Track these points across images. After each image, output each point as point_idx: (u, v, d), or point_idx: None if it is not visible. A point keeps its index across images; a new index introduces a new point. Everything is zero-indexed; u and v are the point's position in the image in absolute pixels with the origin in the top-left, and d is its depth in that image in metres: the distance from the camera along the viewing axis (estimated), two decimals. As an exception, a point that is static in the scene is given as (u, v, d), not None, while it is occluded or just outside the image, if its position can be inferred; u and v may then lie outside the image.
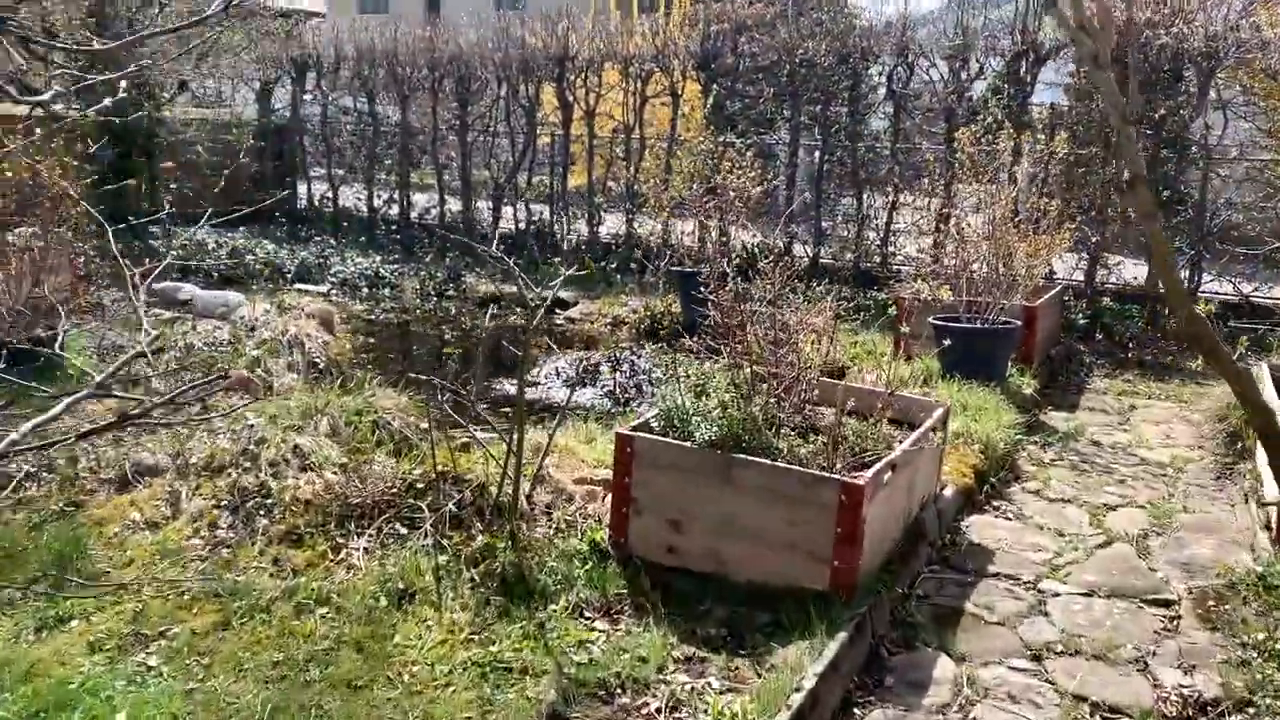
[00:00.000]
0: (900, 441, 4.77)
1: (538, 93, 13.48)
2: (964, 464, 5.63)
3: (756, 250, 12.49)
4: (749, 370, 4.70)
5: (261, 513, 4.51)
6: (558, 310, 11.05)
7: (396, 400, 6.15)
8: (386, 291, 12.40)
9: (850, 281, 11.61)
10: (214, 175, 14.69)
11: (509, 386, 7.74)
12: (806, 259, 11.99)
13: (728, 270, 5.11)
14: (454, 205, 14.40)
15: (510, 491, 4.40)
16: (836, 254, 11.92)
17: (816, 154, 12.01)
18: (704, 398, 4.51)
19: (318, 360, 7.39)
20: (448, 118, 14.39)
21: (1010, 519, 5.42)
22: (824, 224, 11.93)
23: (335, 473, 4.74)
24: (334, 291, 12.42)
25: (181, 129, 13.66)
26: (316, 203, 15.88)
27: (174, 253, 12.18)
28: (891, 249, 11.51)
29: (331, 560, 4.27)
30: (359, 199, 15.34)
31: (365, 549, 4.32)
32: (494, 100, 13.92)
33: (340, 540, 4.37)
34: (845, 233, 11.89)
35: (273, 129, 15.92)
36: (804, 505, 4.06)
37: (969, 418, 6.32)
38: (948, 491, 5.30)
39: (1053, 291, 8.76)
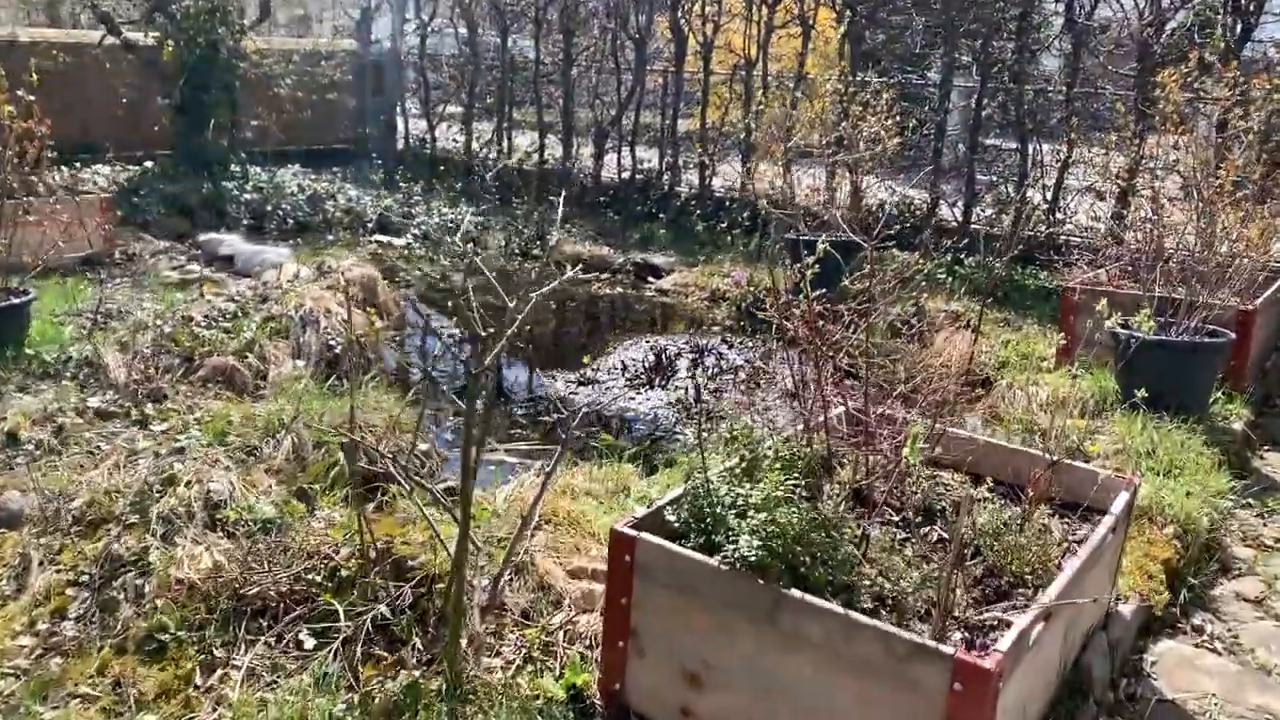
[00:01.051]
0: (1066, 547, 3.14)
1: (649, 23, 11.84)
2: (1150, 558, 3.90)
3: (897, 210, 10.69)
4: (824, 445, 3.14)
5: (127, 598, 3.24)
6: (649, 279, 9.55)
7: (392, 412, 4.82)
8: (469, 246, 11.14)
9: (1008, 253, 9.70)
10: (300, 112, 13.82)
11: (562, 383, 6.33)
12: (955, 222, 10.10)
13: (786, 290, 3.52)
14: (558, 150, 12.99)
15: (458, 598, 2.99)
16: (992, 218, 9.98)
17: (973, 98, 10.00)
18: (752, 480, 2.96)
19: (334, 343, 6.14)
20: (553, 50, 12.94)
21: (1219, 652, 3.69)
22: (978, 181, 9.97)
23: (244, 541, 3.43)
24: (414, 245, 11.26)
25: (260, 61, 12.59)
26: (415, 143, 14.75)
27: (246, 196, 11.28)
28: (1061, 215, 9.49)
29: (198, 688, 2.96)
30: (458, 140, 14.12)
31: (250, 671, 3.00)
32: (601, 31, 12.36)
33: (219, 652, 3.06)
34: (1004, 194, 9.92)
35: (372, 62, 14.80)
36: (892, 683, 2.51)
37: (1158, 474, 4.56)
38: (1126, 608, 3.61)
39: (1275, 286, 6.69)
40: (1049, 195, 9.40)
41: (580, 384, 6.23)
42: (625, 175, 12.21)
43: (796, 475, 2.94)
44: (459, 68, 13.99)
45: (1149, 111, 8.27)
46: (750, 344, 7.40)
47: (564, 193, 6.20)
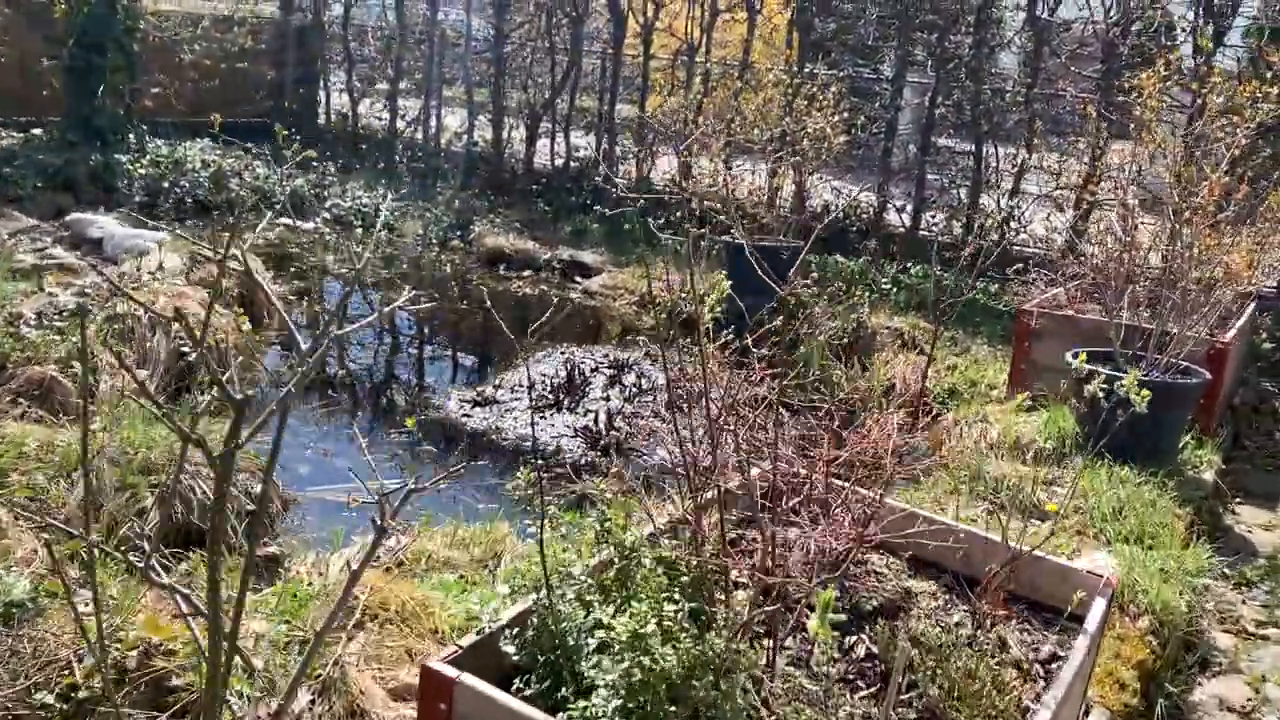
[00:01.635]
0: (1029, 671, 2.46)
1: (587, 1, 11.02)
2: (1123, 660, 3.24)
3: (844, 212, 10.03)
4: (717, 549, 2.43)
5: None
6: (576, 279, 8.78)
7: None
8: (383, 234, 10.27)
9: (957, 264, 9.08)
10: (206, 81, 12.80)
11: (456, 402, 5.55)
12: (903, 228, 9.47)
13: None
14: (489, 132, 12.13)
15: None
16: (943, 225, 9.35)
17: (927, 95, 9.35)
18: (624, 590, 2.22)
19: (186, 350, 5.29)
20: (485, 24, 12.07)
21: (1204, 784, 3.04)
22: (929, 185, 9.34)
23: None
24: (322, 229, 10.37)
25: (161, 25, 11.58)
26: (337, 119, 13.79)
27: (142, 171, 10.29)
28: (1016, 224, 8.88)
29: None
30: (381, 117, 13.19)
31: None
32: (536, 8, 11.52)
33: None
34: (956, 199, 9.29)
35: (294, 30, 13.78)
36: None
37: (1127, 542, 3.91)
38: (1095, 730, 2.95)
39: (1244, 316, 6.09)
40: (1004, 202, 8.78)
41: (477, 404, 5.46)
42: (560, 162, 11.39)
43: (680, 591, 2.21)
44: (385, 39, 13.05)
45: (1113, 117, 7.69)
46: (677, 359, 6.67)
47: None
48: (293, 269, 8.34)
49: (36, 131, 10.80)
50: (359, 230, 10.26)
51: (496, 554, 3.45)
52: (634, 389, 5.93)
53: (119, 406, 4.33)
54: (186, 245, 7.60)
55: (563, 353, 6.60)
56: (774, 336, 3.27)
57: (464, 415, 5.33)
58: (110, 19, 10.70)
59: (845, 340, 6.97)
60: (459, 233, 9.89)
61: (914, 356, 6.48)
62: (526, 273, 8.91)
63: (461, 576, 3.25)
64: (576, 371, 6.05)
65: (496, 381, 5.90)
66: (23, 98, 11.27)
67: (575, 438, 5.09)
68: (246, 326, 5.76)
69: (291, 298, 7.50)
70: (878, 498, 2.61)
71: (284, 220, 10.50)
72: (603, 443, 5.02)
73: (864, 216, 9.61)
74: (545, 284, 8.74)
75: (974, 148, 8.95)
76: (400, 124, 12.82)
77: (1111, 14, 8.25)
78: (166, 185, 10.39)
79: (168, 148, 11.01)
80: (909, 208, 9.40)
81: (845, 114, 8.68)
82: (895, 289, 8.49)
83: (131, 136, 11.01)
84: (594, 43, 11.47)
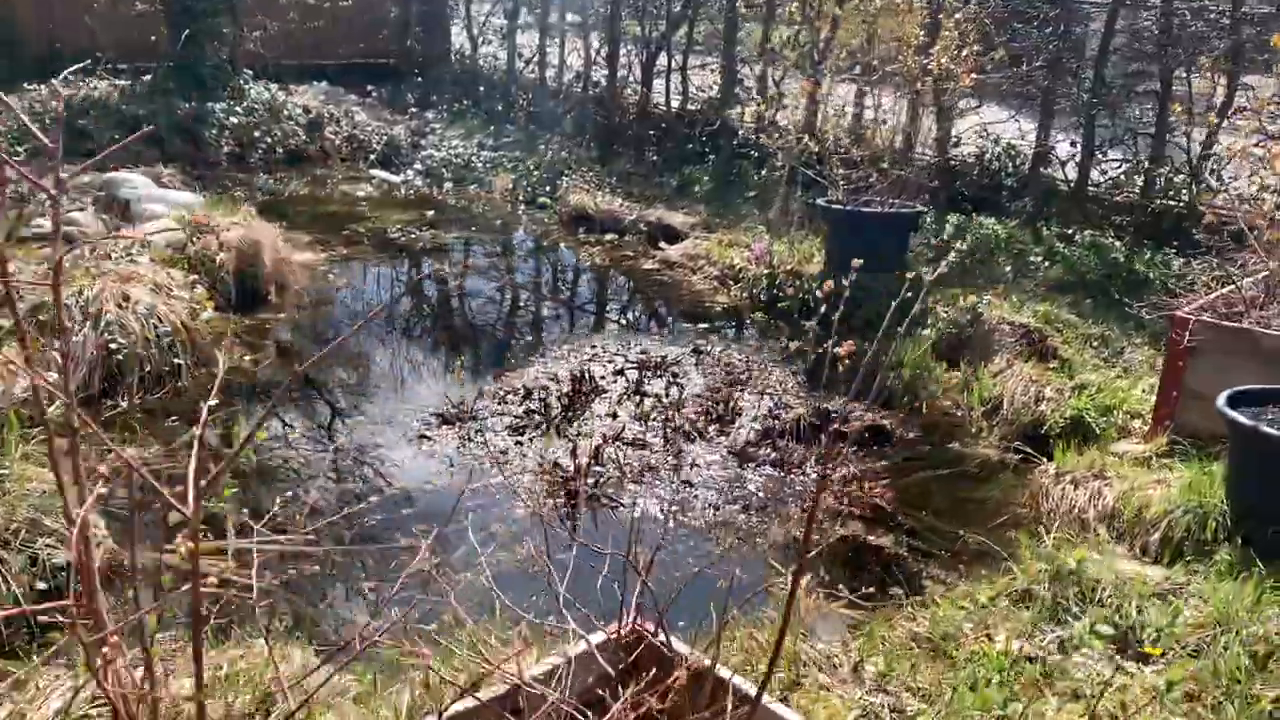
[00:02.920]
0: None
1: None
2: None
3: (998, 157, 8.32)
4: None
5: None
6: (660, 245, 7.62)
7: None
8: (473, 188, 9.42)
9: (1135, 230, 7.29)
10: (311, 23, 12.22)
11: (418, 421, 4.59)
12: (1066, 183, 7.73)
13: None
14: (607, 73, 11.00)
15: None
16: (1117, 180, 7.56)
17: (1105, 19, 7.48)
18: None
19: (118, 345, 4.55)
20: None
21: None
22: (1101, 130, 7.54)
23: None
24: (416, 180, 9.62)
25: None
26: (456, 59, 13.03)
27: (233, 120, 9.81)
28: (1212, 181, 7.01)
29: None
30: (499, 57, 12.31)
31: None
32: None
33: None
34: (1134, 148, 7.45)
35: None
36: None
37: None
38: None
39: None
40: (1200, 148, 6.93)
41: (445, 422, 4.47)
42: (676, 104, 10.15)
43: None
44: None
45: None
46: (738, 351, 5.49)
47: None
48: (345, 232, 7.59)
49: (146, 78, 10.53)
50: (448, 185, 9.45)
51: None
52: (658, 400, 4.78)
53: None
54: (218, 207, 6.98)
55: (593, 348, 5.51)
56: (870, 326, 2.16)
57: (421, 436, 4.35)
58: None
59: (957, 334, 5.55)
60: (548, 189, 8.89)
61: (1033, 368, 4.99)
62: (609, 236, 7.83)
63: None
64: (586, 377, 4.95)
65: (499, 387, 4.88)
66: (132, 46, 11.03)
67: (538, 480, 4.02)
68: (206, 315, 4.99)
69: (324, 268, 6.74)
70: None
71: (377, 171, 9.85)
72: (575, 486, 3.93)
73: (1019, 167, 7.92)
74: (625, 250, 7.64)
75: (1160, 85, 7.09)
76: (519, 64, 11.89)
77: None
78: (257, 135, 9.90)
79: (267, 93, 10.52)
80: (1075, 158, 7.64)
81: (1000, 44, 7.04)
82: (1047, 262, 6.86)
83: (238, 82, 10.58)
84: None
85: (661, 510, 3.86)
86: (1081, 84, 7.58)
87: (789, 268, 6.52)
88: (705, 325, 6.09)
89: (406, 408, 4.66)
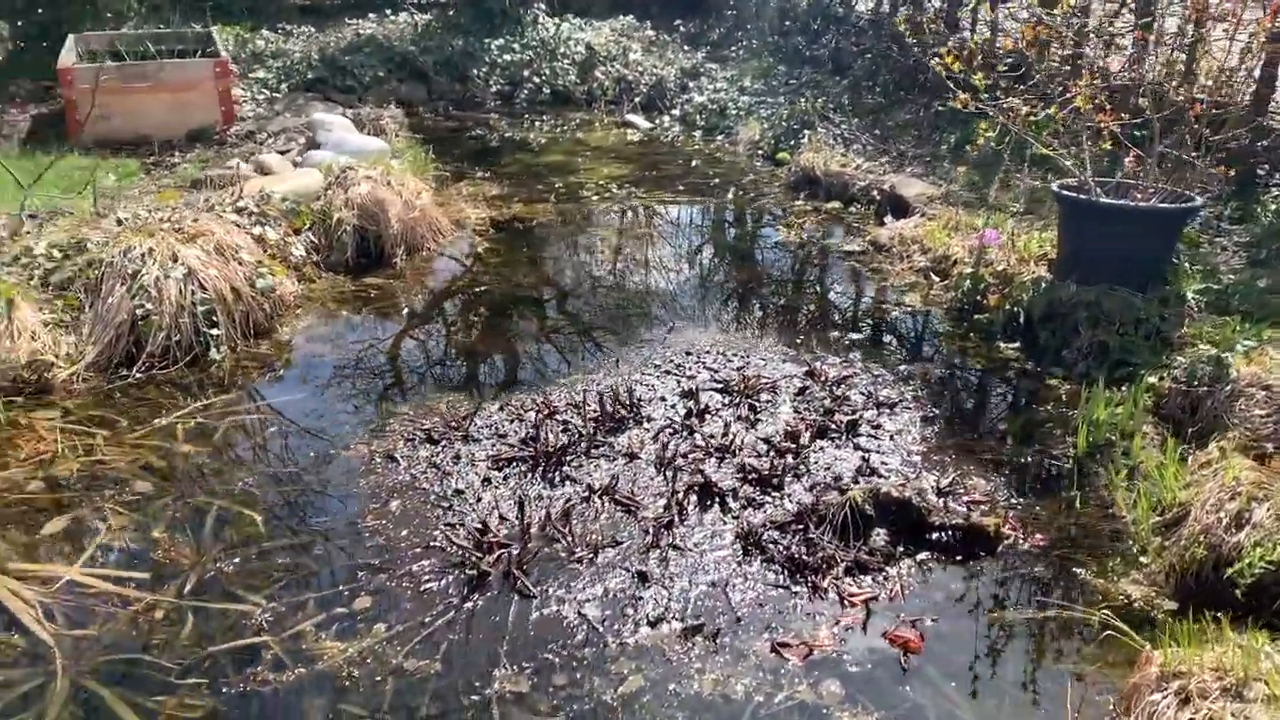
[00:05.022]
0: None
1: None
2: None
3: None
4: None
5: None
6: (884, 220, 6.18)
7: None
8: (719, 138, 8.38)
9: None
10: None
11: (403, 434, 3.84)
12: None
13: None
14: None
15: None
16: None
17: None
18: None
19: (144, 311, 4.25)
20: None
21: None
22: None
23: None
24: (674, 127, 8.78)
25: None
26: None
27: (507, 58, 9.51)
28: None
29: None
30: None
31: None
32: None
33: None
34: None
35: None
36: None
37: None
38: None
39: None
40: None
41: (430, 439, 3.65)
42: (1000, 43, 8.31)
43: None
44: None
45: None
46: (870, 378, 4.13)
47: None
48: (541, 186, 6.97)
49: (451, 13, 10.53)
50: (698, 133, 8.50)
51: None
52: (708, 441, 3.64)
53: None
54: (412, 156, 6.66)
55: (687, 354, 4.41)
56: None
57: (386, 457, 3.58)
58: None
59: (1185, 391, 3.75)
60: (792, 142, 7.64)
61: (1255, 469, 3.15)
62: (830, 205, 6.51)
63: None
64: (624, 398, 3.90)
65: (523, 397, 4.00)
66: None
67: (477, 533, 3.10)
68: (265, 283, 4.57)
69: (484, 223, 6.17)
70: None
71: (632, 118, 9.14)
72: (502, 554, 2.99)
73: None
74: (839, 223, 6.29)
75: None
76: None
77: None
78: (526, 74, 9.55)
79: (549, 29, 10.12)
80: None
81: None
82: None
83: (523, 17, 10.28)
84: None
85: (578, 613, 2.83)
86: None
87: (1004, 271, 4.89)
88: (861, 335, 4.72)
89: (404, 417, 3.94)
